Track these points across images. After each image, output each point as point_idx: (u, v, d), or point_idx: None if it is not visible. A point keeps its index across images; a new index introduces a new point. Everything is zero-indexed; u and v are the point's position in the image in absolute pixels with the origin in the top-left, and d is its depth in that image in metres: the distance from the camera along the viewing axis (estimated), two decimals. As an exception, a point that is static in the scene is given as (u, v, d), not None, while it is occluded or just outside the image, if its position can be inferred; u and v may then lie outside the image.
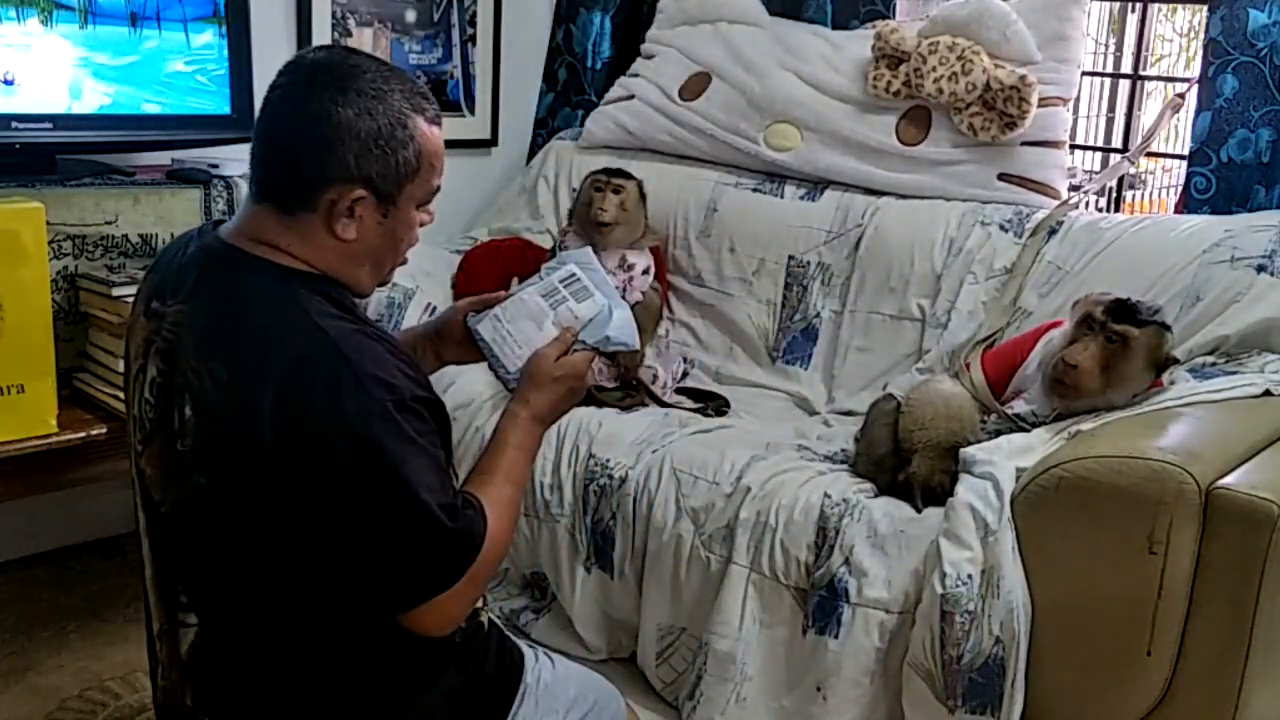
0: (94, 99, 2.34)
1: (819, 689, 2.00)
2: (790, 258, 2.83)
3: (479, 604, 1.45)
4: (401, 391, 1.24)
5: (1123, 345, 1.96)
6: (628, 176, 2.77)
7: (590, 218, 2.68)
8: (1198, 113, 2.60)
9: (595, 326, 1.49)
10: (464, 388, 2.49)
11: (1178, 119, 2.87)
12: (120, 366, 2.13)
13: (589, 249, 1.65)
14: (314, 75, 1.30)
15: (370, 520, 1.23)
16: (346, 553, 1.24)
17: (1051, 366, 2.00)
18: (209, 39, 2.49)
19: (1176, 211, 2.72)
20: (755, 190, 2.94)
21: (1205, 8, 2.64)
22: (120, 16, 2.35)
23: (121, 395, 2.11)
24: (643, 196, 2.78)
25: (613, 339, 1.50)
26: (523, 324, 1.50)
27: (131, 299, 2.09)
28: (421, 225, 1.40)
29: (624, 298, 2.67)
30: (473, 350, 1.56)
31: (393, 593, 1.27)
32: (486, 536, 1.30)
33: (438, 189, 1.38)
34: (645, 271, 2.74)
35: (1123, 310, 1.98)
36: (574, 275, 1.53)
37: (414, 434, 1.24)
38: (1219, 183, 2.55)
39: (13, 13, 2.21)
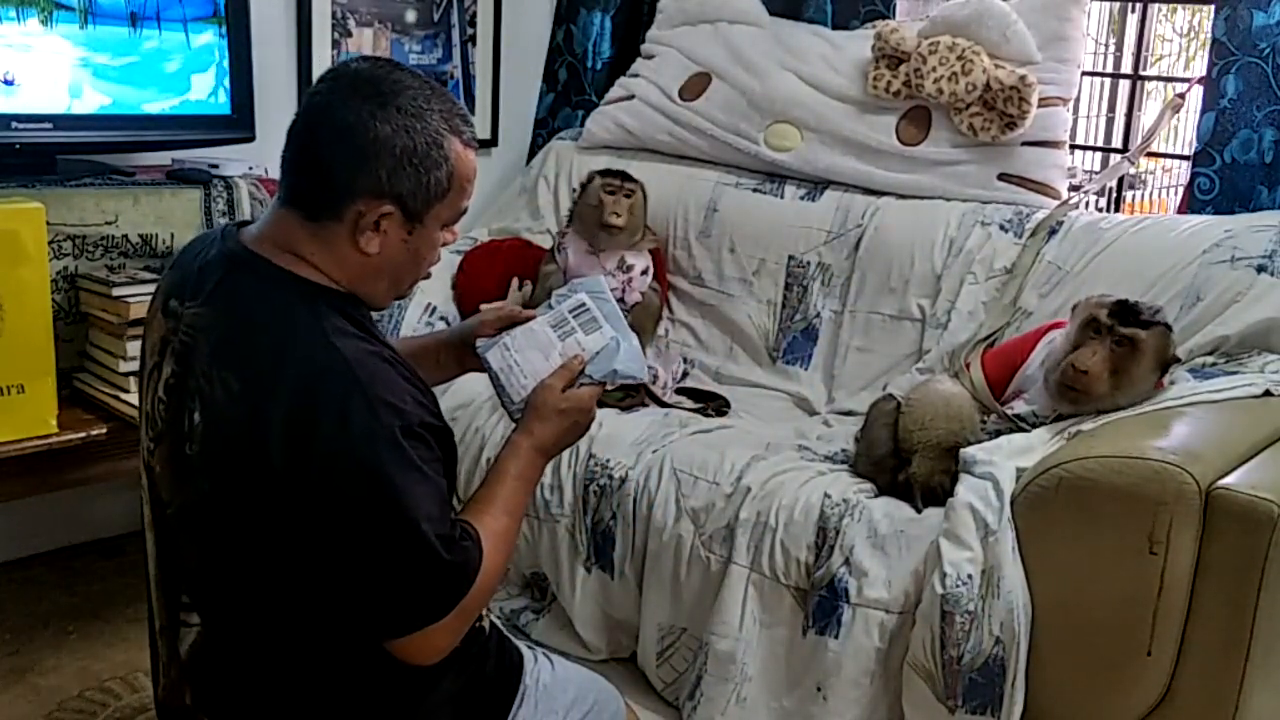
0: (94, 99, 2.34)
1: (819, 689, 2.00)
2: (790, 258, 2.83)
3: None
4: (410, 417, 1.24)
5: (1131, 348, 1.96)
6: (634, 180, 2.77)
7: (600, 219, 2.68)
8: (1201, 113, 2.60)
9: (602, 360, 1.48)
10: (463, 389, 2.49)
11: (1177, 119, 2.87)
12: (120, 367, 2.15)
13: (601, 278, 1.63)
14: (355, 86, 1.29)
15: (368, 546, 1.22)
16: (341, 575, 1.24)
17: (1060, 372, 1.99)
18: (209, 39, 2.49)
19: (1179, 212, 2.72)
20: (755, 190, 2.94)
21: (1205, 8, 2.64)
22: (120, 17, 2.35)
23: (122, 395, 2.12)
24: (645, 200, 2.79)
25: (620, 373, 1.49)
26: (530, 354, 1.48)
27: (132, 299, 2.11)
28: (444, 245, 1.39)
29: (623, 299, 2.67)
30: None
31: (383, 620, 1.26)
32: (480, 569, 1.29)
33: (465, 210, 1.38)
34: (644, 272, 2.74)
35: (1127, 312, 1.98)
36: (584, 305, 1.52)
37: (419, 461, 1.23)
38: (1222, 183, 2.55)
39: (13, 13, 2.21)
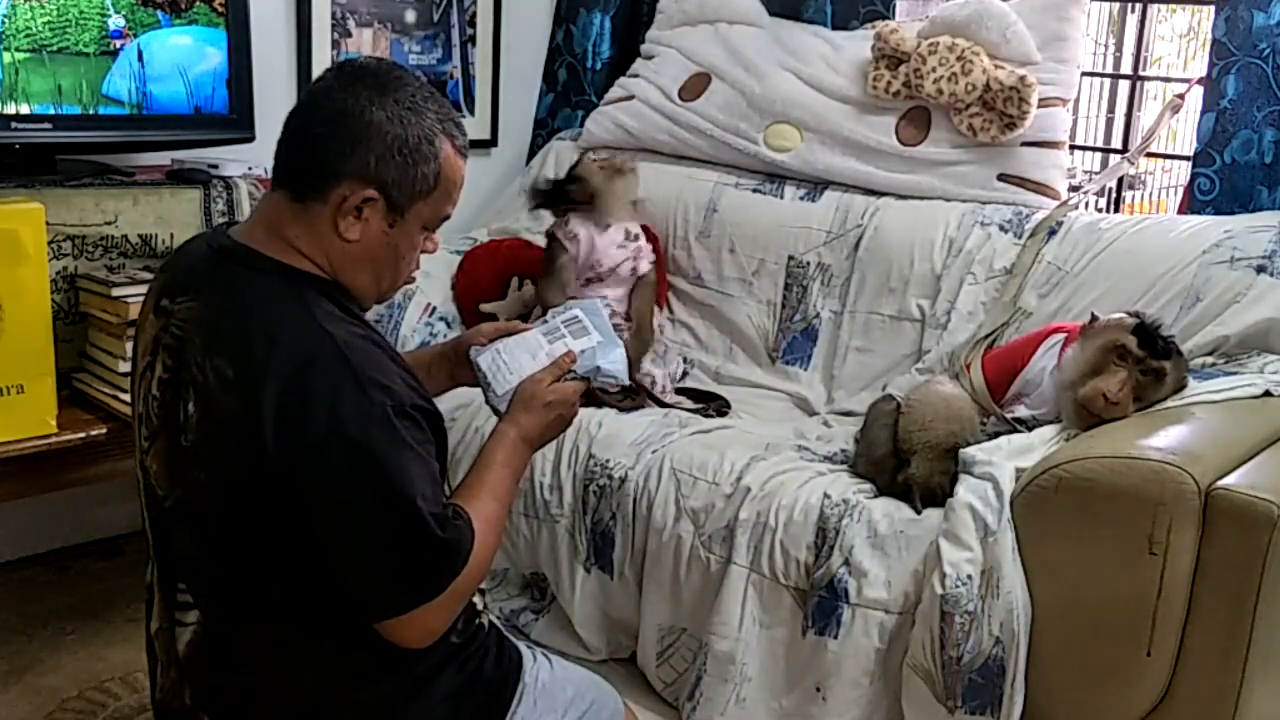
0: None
1: (819, 689, 2.00)
2: (790, 258, 2.83)
3: (479, 606, 1.46)
4: (401, 398, 1.26)
5: (1156, 378, 1.97)
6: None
7: (616, 167, 2.69)
8: (1202, 114, 2.59)
9: (587, 358, 1.54)
10: (462, 390, 2.48)
11: (1177, 119, 2.87)
12: (120, 367, 2.15)
13: (597, 302, 1.69)
14: (359, 76, 1.33)
15: (363, 523, 1.23)
16: (338, 554, 1.25)
17: (1086, 398, 1.97)
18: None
19: (1179, 212, 2.72)
20: (755, 191, 2.94)
21: (1204, 8, 2.64)
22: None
23: (121, 395, 2.12)
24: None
25: (603, 369, 1.54)
26: (519, 355, 1.54)
27: (131, 299, 2.11)
28: (424, 252, 1.41)
29: (634, 268, 2.66)
30: None
31: (378, 598, 1.27)
32: (472, 552, 1.31)
33: (447, 217, 1.40)
34: (646, 243, 2.74)
35: (1148, 338, 1.98)
36: (577, 318, 1.58)
37: (411, 441, 1.25)
38: (1222, 184, 2.55)
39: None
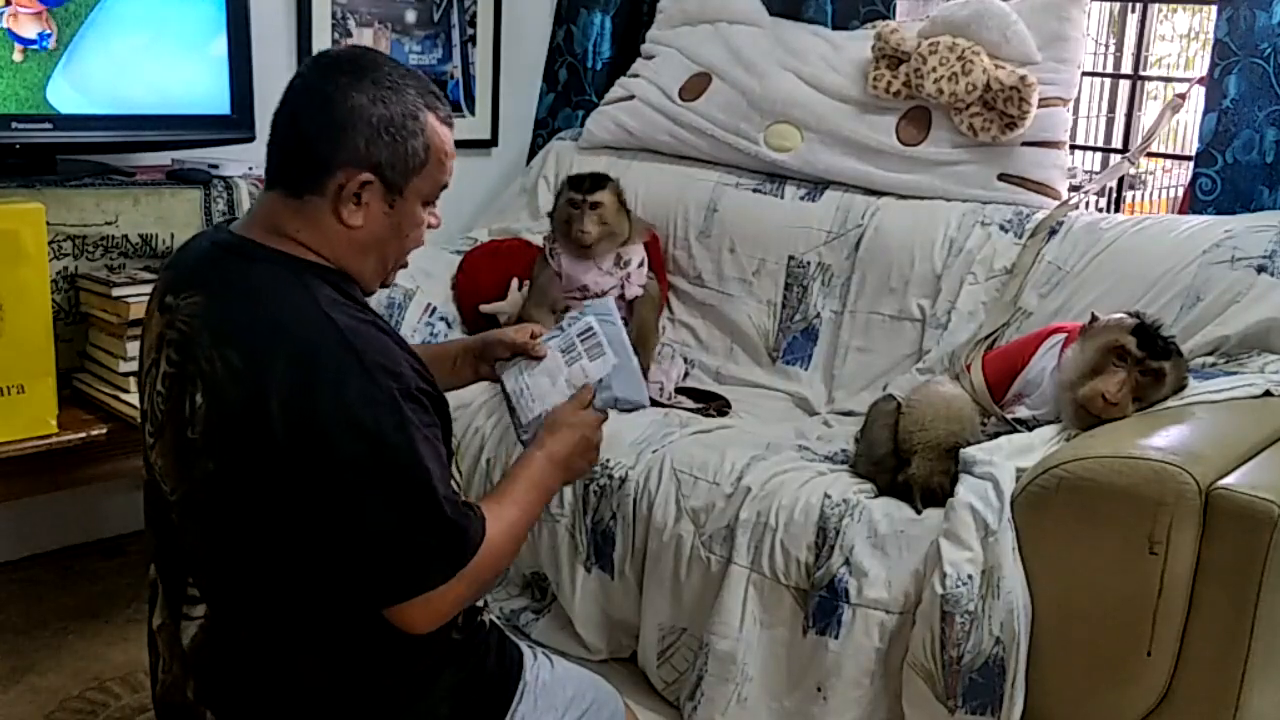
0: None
1: (819, 689, 2.00)
2: (790, 258, 2.83)
3: (480, 605, 1.46)
4: (407, 381, 1.27)
5: (1155, 378, 1.97)
6: (601, 184, 2.62)
7: (573, 239, 2.59)
8: (1204, 114, 2.59)
9: (604, 389, 1.58)
10: (466, 389, 2.48)
11: (1178, 120, 2.87)
12: (120, 367, 2.15)
13: (610, 300, 1.71)
14: (335, 65, 1.35)
15: (374, 506, 1.24)
16: (348, 539, 1.25)
17: (1086, 399, 1.97)
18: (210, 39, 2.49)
19: (1180, 212, 2.72)
20: (755, 190, 2.94)
21: (1205, 9, 2.64)
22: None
23: (122, 395, 2.12)
24: (622, 199, 2.67)
25: (621, 400, 1.60)
26: (540, 379, 1.58)
27: (132, 299, 2.12)
28: (429, 227, 1.42)
29: (623, 294, 2.65)
30: None
31: (389, 581, 1.27)
32: (484, 542, 1.32)
33: (444, 187, 1.41)
34: (640, 265, 2.71)
35: (1148, 338, 1.98)
36: (591, 330, 1.61)
37: (419, 423, 1.26)
38: (1224, 184, 2.55)
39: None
